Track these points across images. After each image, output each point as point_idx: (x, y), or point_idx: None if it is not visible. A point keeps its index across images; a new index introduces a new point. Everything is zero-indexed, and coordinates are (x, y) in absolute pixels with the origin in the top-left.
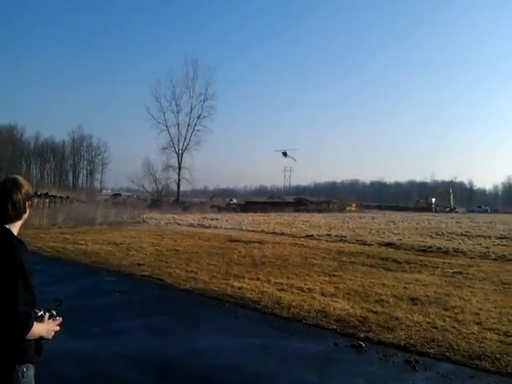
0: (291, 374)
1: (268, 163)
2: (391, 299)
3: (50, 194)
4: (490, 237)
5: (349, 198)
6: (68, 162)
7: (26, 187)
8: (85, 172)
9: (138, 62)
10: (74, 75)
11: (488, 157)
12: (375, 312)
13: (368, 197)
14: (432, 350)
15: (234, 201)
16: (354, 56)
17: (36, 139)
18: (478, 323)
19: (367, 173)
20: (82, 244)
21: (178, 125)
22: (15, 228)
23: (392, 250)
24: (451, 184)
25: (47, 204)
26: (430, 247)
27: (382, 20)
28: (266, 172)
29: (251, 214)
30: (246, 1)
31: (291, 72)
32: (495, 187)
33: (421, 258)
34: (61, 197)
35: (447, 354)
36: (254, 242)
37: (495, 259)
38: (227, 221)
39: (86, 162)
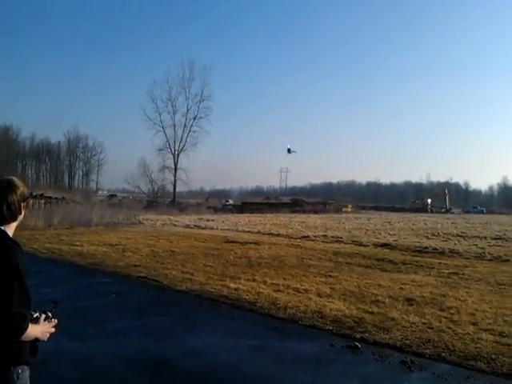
0: (287, 375)
1: (264, 164)
2: (387, 300)
3: (46, 194)
4: (485, 237)
5: (345, 199)
6: (64, 163)
7: (22, 188)
8: (80, 173)
9: (135, 64)
10: (69, 75)
11: (483, 158)
12: (371, 313)
13: (364, 198)
14: (428, 351)
15: (230, 202)
16: (352, 64)
17: (31, 140)
18: (473, 324)
19: (363, 174)
20: (77, 245)
21: (174, 126)
22: (10, 229)
23: (388, 250)
24: (447, 185)
25: (43, 205)
26: (426, 248)
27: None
28: (262, 173)
29: (247, 214)
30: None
31: (288, 72)
32: (491, 188)
33: (417, 258)
34: (56, 198)
35: (443, 354)
36: (250, 242)
37: (491, 260)
38: (223, 222)
39: (81, 163)
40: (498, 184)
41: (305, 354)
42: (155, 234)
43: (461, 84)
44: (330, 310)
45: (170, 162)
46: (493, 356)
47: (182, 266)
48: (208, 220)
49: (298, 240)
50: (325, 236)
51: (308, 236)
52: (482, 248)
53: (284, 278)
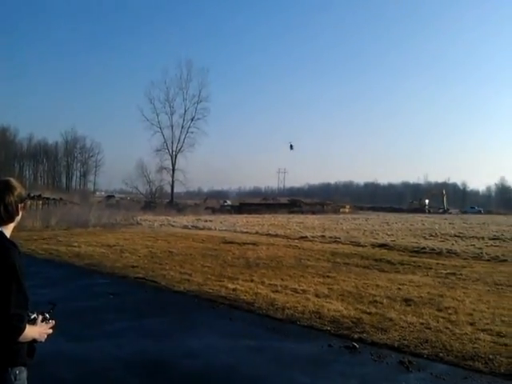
0: (285, 376)
1: (262, 165)
2: (385, 300)
3: (43, 195)
4: (483, 238)
5: (343, 200)
6: (61, 164)
7: (19, 189)
8: (78, 174)
9: (132, 64)
10: (66, 76)
11: (480, 158)
12: (369, 313)
13: (362, 198)
14: (425, 351)
15: (228, 202)
16: (351, 61)
17: (29, 141)
18: (471, 324)
19: (361, 174)
20: (75, 246)
21: (172, 126)
22: (8, 230)
23: (386, 251)
24: (444, 185)
25: (40, 206)
26: (424, 248)
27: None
28: (260, 174)
29: (245, 215)
30: None
31: (286, 70)
32: (488, 188)
33: (414, 259)
34: (54, 199)
35: (441, 354)
36: (248, 243)
37: (488, 260)
38: (221, 222)
39: (79, 164)
40: (496, 184)
41: (303, 355)
42: (153, 234)
43: (456, 84)
44: (328, 310)
45: (168, 163)
46: (490, 356)
47: (180, 266)
48: (206, 221)
49: (296, 240)
50: (323, 236)
51: (306, 236)
52: (480, 248)
53: (282, 279)
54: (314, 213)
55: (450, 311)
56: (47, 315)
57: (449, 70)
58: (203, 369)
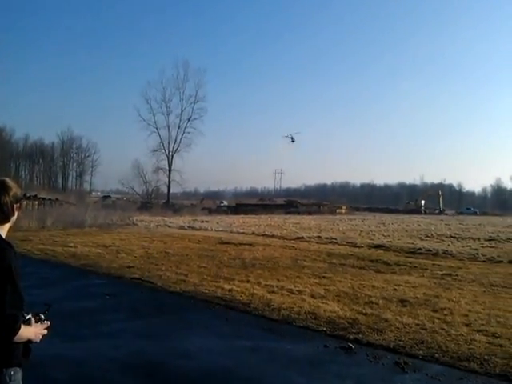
0: (281, 376)
1: (258, 165)
2: (381, 301)
3: (39, 196)
4: (478, 239)
5: (339, 201)
6: (57, 164)
7: (15, 189)
8: (74, 174)
9: (129, 64)
10: (62, 76)
11: (476, 159)
12: (365, 314)
13: (358, 199)
14: (421, 352)
15: (225, 203)
16: (349, 62)
17: (25, 141)
18: (466, 325)
19: (357, 175)
20: (71, 246)
21: (169, 127)
22: (3, 230)
23: (382, 251)
24: (440, 186)
25: (36, 206)
26: (420, 249)
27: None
28: (257, 174)
29: (242, 216)
30: None
31: (284, 70)
32: (484, 190)
33: (410, 259)
34: (50, 199)
35: (436, 355)
36: (244, 244)
37: (484, 261)
38: (218, 223)
39: (75, 164)
40: (492, 186)
41: (298, 355)
42: (149, 235)
43: (453, 84)
44: (324, 311)
45: (164, 163)
46: (486, 357)
47: (176, 267)
48: (202, 221)
49: (292, 241)
50: (319, 237)
51: (302, 237)
52: (476, 249)
53: (278, 280)
54: (310, 213)
55: (445, 312)
56: (42, 316)
57: (446, 70)
58: (199, 369)
